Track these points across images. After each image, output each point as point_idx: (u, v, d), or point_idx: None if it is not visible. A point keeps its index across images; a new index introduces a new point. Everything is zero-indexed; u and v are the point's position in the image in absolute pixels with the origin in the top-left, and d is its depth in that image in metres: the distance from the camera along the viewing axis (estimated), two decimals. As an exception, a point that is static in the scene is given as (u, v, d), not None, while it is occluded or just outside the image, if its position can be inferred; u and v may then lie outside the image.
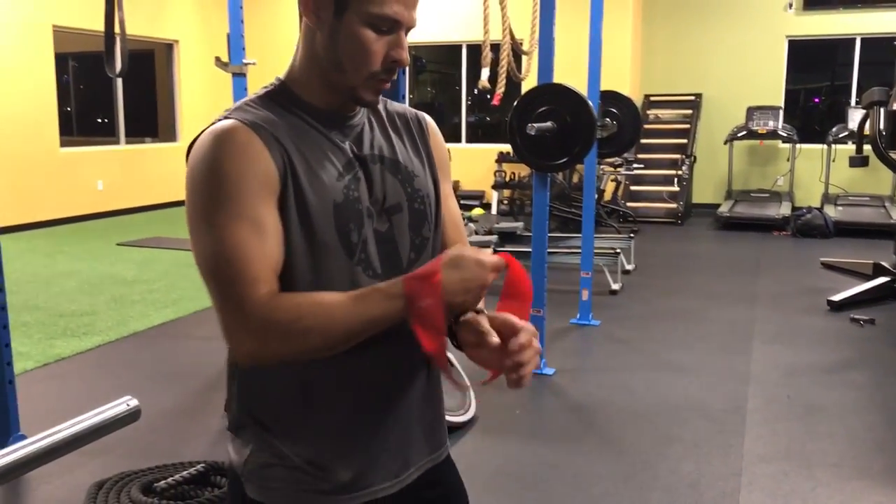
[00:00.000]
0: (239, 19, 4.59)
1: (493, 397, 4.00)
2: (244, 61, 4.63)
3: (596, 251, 5.71)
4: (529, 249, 4.47)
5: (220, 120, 1.13)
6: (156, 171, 11.15)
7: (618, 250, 6.37)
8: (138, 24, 10.59)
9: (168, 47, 11.46)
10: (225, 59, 4.70)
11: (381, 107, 1.28)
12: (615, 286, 6.13)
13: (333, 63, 1.15)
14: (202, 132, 1.13)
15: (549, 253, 5.93)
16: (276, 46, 12.08)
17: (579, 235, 5.59)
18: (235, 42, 4.62)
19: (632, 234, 7.50)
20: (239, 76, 4.65)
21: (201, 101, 11.68)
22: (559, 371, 4.35)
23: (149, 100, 11.97)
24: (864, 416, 3.77)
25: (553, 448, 3.44)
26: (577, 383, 4.24)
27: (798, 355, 4.65)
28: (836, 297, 5.75)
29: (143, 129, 11.85)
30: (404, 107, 1.34)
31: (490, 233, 7.33)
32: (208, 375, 4.27)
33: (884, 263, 6.48)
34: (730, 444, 3.42)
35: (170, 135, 11.78)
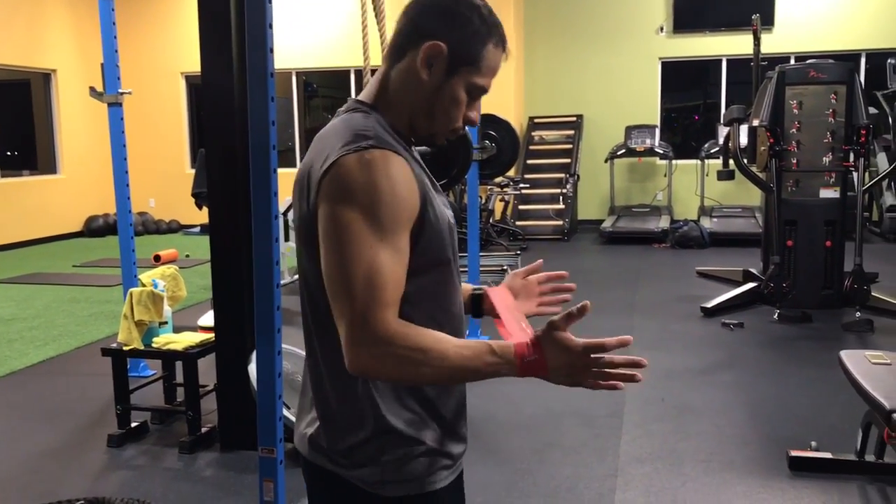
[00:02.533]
0: (113, 48, 4.54)
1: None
2: (120, 91, 4.58)
3: (484, 268, 5.87)
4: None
5: (367, 145, 1.20)
6: (35, 204, 10.75)
7: (505, 267, 6.55)
8: (12, 52, 10.25)
9: (45, 77, 11.09)
10: (100, 88, 4.64)
11: None
12: (504, 302, 6.29)
13: (426, 110, 1.30)
14: (348, 153, 1.19)
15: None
16: (154, 76, 11.93)
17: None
18: (110, 71, 4.57)
19: (519, 252, 7.72)
20: (114, 106, 4.59)
21: (83, 131, 11.34)
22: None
23: (26, 131, 11.53)
24: (731, 414, 4.02)
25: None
26: (475, 399, 4.33)
27: (673, 360, 4.91)
28: (709, 304, 6.08)
29: (20, 162, 11.41)
30: None
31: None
32: (90, 412, 4.17)
33: (752, 270, 6.89)
34: (607, 447, 3.59)
35: (49, 167, 11.36)
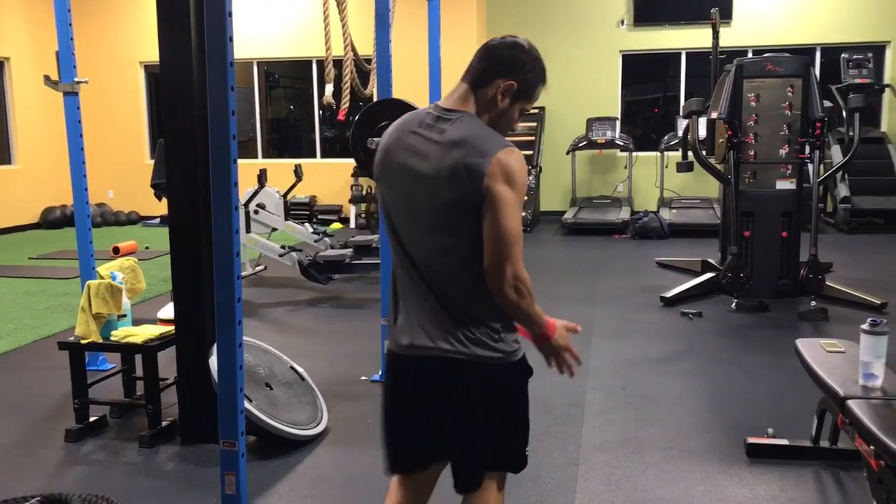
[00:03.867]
0: (68, 36, 4.45)
1: (346, 408, 4.05)
2: (75, 80, 4.49)
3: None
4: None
5: (509, 144, 1.84)
6: (-13, 195, 10.51)
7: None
8: (-39, 40, 9.98)
9: (-3, 65, 10.84)
10: (55, 76, 4.55)
11: None
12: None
13: (494, 121, 1.91)
14: (505, 148, 1.81)
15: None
16: (112, 64, 11.72)
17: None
18: (65, 59, 4.47)
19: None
20: (70, 95, 4.50)
21: (39, 121, 11.11)
22: (411, 378, 4.46)
23: (-23, 120, 11.26)
24: (691, 402, 4.08)
25: (404, 453, 3.52)
26: (428, 389, 4.36)
27: (633, 349, 4.97)
28: (669, 294, 6.17)
29: (-29, 152, 11.15)
30: None
31: (346, 246, 7.37)
32: (47, 407, 4.10)
33: (711, 260, 7.00)
34: (568, 435, 3.62)
35: (4, 157, 11.11)
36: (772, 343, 5.12)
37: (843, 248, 8.34)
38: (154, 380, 3.64)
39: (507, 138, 1.90)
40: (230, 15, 2.54)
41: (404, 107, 4.29)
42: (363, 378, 4.51)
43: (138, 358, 3.84)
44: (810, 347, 3.24)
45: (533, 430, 3.66)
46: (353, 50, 5.37)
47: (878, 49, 10.46)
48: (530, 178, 9.95)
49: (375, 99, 4.87)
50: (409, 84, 6.36)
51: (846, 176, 9.51)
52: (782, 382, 4.31)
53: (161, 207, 8.72)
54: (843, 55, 10.07)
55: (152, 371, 3.63)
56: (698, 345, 5.14)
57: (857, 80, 9.77)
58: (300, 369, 3.98)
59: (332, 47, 5.37)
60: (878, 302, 5.75)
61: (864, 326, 2.78)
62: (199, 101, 3.37)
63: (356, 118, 4.32)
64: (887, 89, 10.25)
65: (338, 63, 5.38)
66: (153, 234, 10.27)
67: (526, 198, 1.72)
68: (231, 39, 2.56)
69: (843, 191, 9.63)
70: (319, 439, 3.63)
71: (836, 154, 9.33)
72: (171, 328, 3.68)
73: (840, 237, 9.28)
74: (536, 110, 11.20)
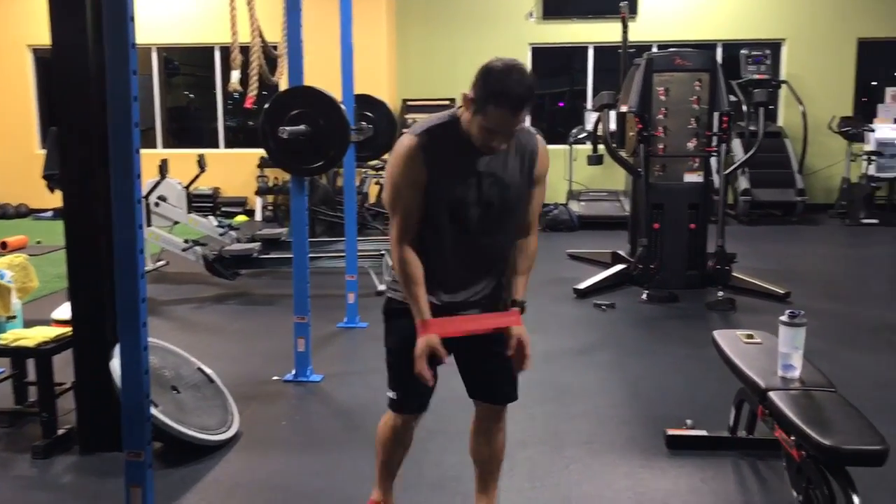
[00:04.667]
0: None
1: (258, 410, 3.88)
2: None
3: (360, 254, 5.74)
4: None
5: (413, 132, 2.19)
6: None
7: (382, 252, 6.44)
8: None
9: None
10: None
11: (519, 140, 2.23)
12: (381, 287, 6.19)
13: (470, 127, 2.12)
14: (404, 134, 2.20)
15: (314, 258, 5.88)
16: None
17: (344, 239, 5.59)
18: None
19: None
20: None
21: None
22: (327, 376, 4.31)
23: None
24: (609, 395, 4.08)
25: (320, 456, 3.39)
26: (344, 387, 4.22)
27: (550, 341, 4.95)
28: (581, 286, 6.20)
29: None
30: (531, 139, 2.27)
31: (253, 240, 7.12)
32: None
33: (620, 252, 7.09)
34: (490, 432, 3.56)
35: None
36: (683, 333, 5.20)
37: (744, 240, 8.59)
38: (48, 385, 3.38)
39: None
40: (131, -7, 2.35)
41: (316, 94, 4.13)
42: (275, 378, 4.34)
43: (31, 362, 3.56)
44: (728, 339, 3.27)
45: (455, 427, 3.58)
46: (261, 36, 5.16)
47: (775, 46, 10.84)
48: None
49: (282, 87, 4.69)
50: (317, 72, 6.18)
51: (746, 169, 9.81)
52: (696, 373, 4.37)
53: (54, 200, 8.24)
54: (742, 51, 10.38)
55: (46, 376, 3.37)
56: (613, 336, 5.18)
57: (756, 76, 10.09)
58: (208, 370, 3.78)
59: (239, 32, 5.14)
60: (782, 292, 5.93)
61: (783, 318, 2.81)
62: (96, 86, 3.13)
63: (266, 106, 4.13)
64: (784, 85, 10.62)
65: (244, 50, 5.16)
66: (45, 228, 9.70)
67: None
68: (133, 19, 2.37)
69: (743, 183, 9.95)
70: (230, 444, 3.45)
71: (738, 148, 9.61)
72: (67, 329, 3.42)
73: (741, 228, 9.58)
74: (448, 101, 11.12)
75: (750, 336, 3.26)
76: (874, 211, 9.80)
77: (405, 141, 2.16)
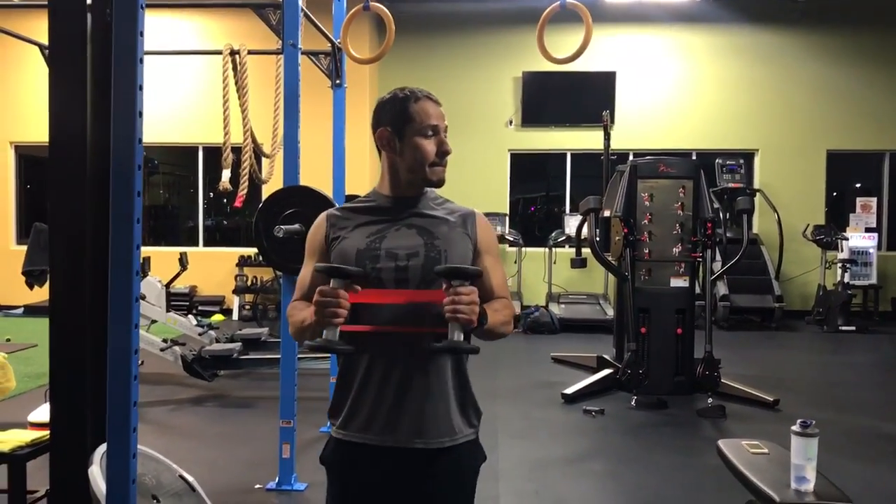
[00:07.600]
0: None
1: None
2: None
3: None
4: (275, 356, 4.27)
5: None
6: None
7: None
8: None
9: None
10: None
11: (446, 206, 2.03)
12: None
13: (409, 167, 1.94)
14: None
15: (299, 358, 5.74)
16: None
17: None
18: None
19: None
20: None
21: None
22: (311, 485, 4.13)
23: None
24: (606, 505, 3.94)
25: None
26: (330, 496, 4.04)
27: (541, 449, 4.81)
28: (569, 391, 6.10)
29: None
30: (465, 208, 2.06)
31: (233, 340, 6.96)
32: None
33: (605, 356, 7.02)
34: (488, 546, 3.40)
35: None
36: (676, 441, 5.09)
37: (725, 345, 8.57)
38: (20, 493, 3.18)
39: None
40: (141, 89, 2.34)
41: (310, 193, 4.11)
42: (257, 486, 4.14)
43: (3, 468, 3.36)
44: (734, 449, 3.18)
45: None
46: (253, 136, 5.18)
47: (748, 156, 11.16)
48: None
49: (267, 186, 4.67)
50: (306, 171, 6.21)
51: (724, 275, 9.90)
52: (692, 482, 4.26)
53: (25, 296, 8.06)
54: (717, 160, 10.65)
55: (19, 483, 3.17)
56: (604, 443, 5.05)
57: (731, 185, 10.33)
58: (190, 478, 3.59)
59: (231, 132, 5.16)
60: (771, 399, 5.87)
61: (795, 428, 2.74)
62: (92, 182, 3.08)
63: (260, 206, 4.10)
64: (758, 193, 10.87)
65: (235, 149, 5.17)
66: (15, 325, 9.44)
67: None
68: (141, 115, 2.35)
69: (722, 289, 10.02)
70: (212, 558, 3.24)
71: (716, 254, 9.72)
72: (45, 433, 3.24)
73: (721, 334, 9.57)
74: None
75: (756, 446, 3.17)
76: (851, 318, 9.89)
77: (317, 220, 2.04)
